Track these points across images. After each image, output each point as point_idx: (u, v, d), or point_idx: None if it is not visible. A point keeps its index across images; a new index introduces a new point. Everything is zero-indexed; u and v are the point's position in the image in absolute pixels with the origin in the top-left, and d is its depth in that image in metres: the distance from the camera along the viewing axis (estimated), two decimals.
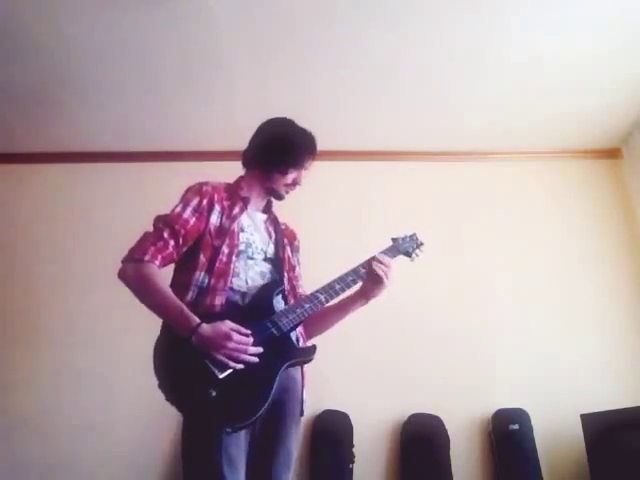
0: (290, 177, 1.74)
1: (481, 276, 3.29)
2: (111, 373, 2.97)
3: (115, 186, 3.38)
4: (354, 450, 2.88)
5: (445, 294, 3.23)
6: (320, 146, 3.71)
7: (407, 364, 3.06)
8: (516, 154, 3.54)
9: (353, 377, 3.01)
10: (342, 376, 2.99)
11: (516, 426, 2.89)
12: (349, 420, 2.94)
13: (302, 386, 1.64)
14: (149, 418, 2.77)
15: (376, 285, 1.67)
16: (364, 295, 1.70)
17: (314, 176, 3.41)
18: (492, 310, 3.22)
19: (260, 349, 1.41)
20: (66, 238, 3.28)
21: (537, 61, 2.81)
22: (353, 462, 2.84)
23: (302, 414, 1.63)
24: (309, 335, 1.72)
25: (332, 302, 1.63)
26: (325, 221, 3.27)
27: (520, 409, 2.95)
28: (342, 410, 2.95)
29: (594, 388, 3.00)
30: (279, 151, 1.74)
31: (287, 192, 1.78)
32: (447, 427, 2.93)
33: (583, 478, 2.76)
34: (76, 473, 2.84)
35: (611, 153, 3.56)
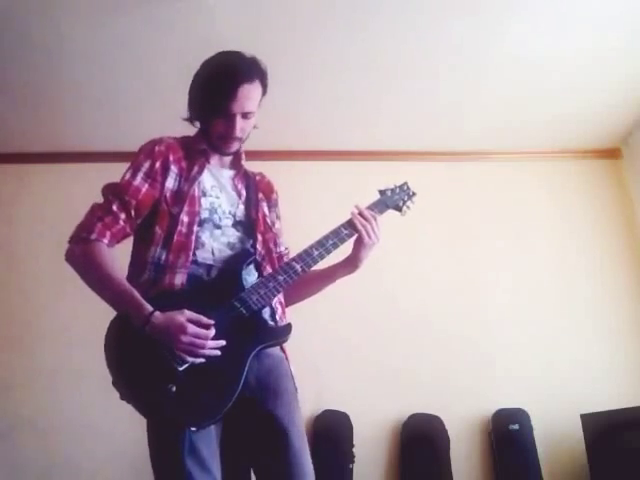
0: (219, 127, 1.44)
1: (481, 276, 3.29)
2: None
3: None
4: (354, 450, 2.88)
5: (445, 294, 3.23)
6: (320, 146, 3.71)
7: (407, 364, 3.06)
8: (516, 154, 3.54)
9: (353, 377, 3.01)
10: (342, 376, 2.99)
11: (516, 426, 2.89)
12: (349, 420, 2.93)
13: (287, 361, 1.47)
14: None
15: (359, 243, 1.49)
16: (351, 260, 1.51)
17: (314, 176, 3.45)
18: (492, 310, 3.22)
19: (222, 342, 1.25)
20: (66, 238, 3.26)
21: (537, 61, 2.81)
22: (353, 462, 2.84)
23: (296, 390, 1.46)
24: (288, 302, 1.56)
25: (313, 269, 1.46)
26: (324, 221, 3.26)
27: (520, 409, 2.96)
28: (342, 410, 2.95)
29: (594, 388, 3.00)
30: (193, 99, 1.49)
31: (230, 147, 1.48)
32: (447, 427, 2.93)
33: (583, 478, 2.77)
34: (76, 473, 2.84)
35: (611, 153, 3.56)
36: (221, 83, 1.39)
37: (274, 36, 2.61)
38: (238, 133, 1.44)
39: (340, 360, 2.97)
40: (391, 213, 1.64)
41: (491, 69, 2.87)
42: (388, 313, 3.10)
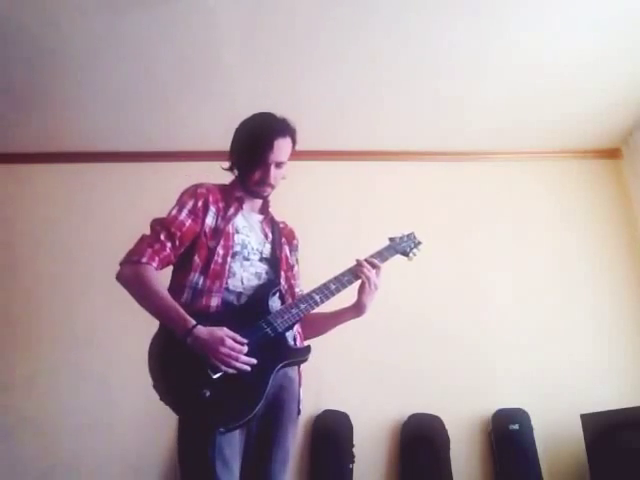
0: (256, 175, 1.67)
1: (481, 276, 3.29)
2: (111, 373, 2.97)
3: (115, 186, 3.38)
4: (354, 450, 2.88)
5: (445, 294, 3.23)
6: (320, 146, 3.72)
7: (407, 364, 3.06)
8: (516, 154, 3.54)
9: (353, 377, 3.01)
10: (342, 376, 2.99)
11: (516, 426, 2.89)
12: (349, 420, 2.94)
13: (299, 385, 1.66)
14: (149, 418, 2.77)
15: (361, 290, 1.67)
16: (355, 306, 1.69)
17: (314, 176, 3.45)
18: (492, 310, 3.22)
19: (254, 360, 1.42)
20: (66, 238, 3.27)
21: (537, 61, 2.81)
22: (353, 462, 2.85)
23: (299, 413, 1.65)
24: (305, 337, 1.73)
25: (328, 301, 1.63)
26: (325, 221, 3.27)
27: (520, 409, 2.95)
28: (342, 410, 2.95)
29: (594, 388, 3.00)
30: (234, 151, 1.74)
31: (264, 191, 1.72)
32: (447, 427, 2.93)
33: (583, 478, 2.77)
34: (76, 473, 2.84)
35: (611, 153, 3.56)
36: (260, 138, 1.64)
37: (274, 36, 2.61)
38: (272, 180, 1.68)
39: (340, 360, 2.97)
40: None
41: (491, 69, 2.87)
42: (388, 313, 3.09)
